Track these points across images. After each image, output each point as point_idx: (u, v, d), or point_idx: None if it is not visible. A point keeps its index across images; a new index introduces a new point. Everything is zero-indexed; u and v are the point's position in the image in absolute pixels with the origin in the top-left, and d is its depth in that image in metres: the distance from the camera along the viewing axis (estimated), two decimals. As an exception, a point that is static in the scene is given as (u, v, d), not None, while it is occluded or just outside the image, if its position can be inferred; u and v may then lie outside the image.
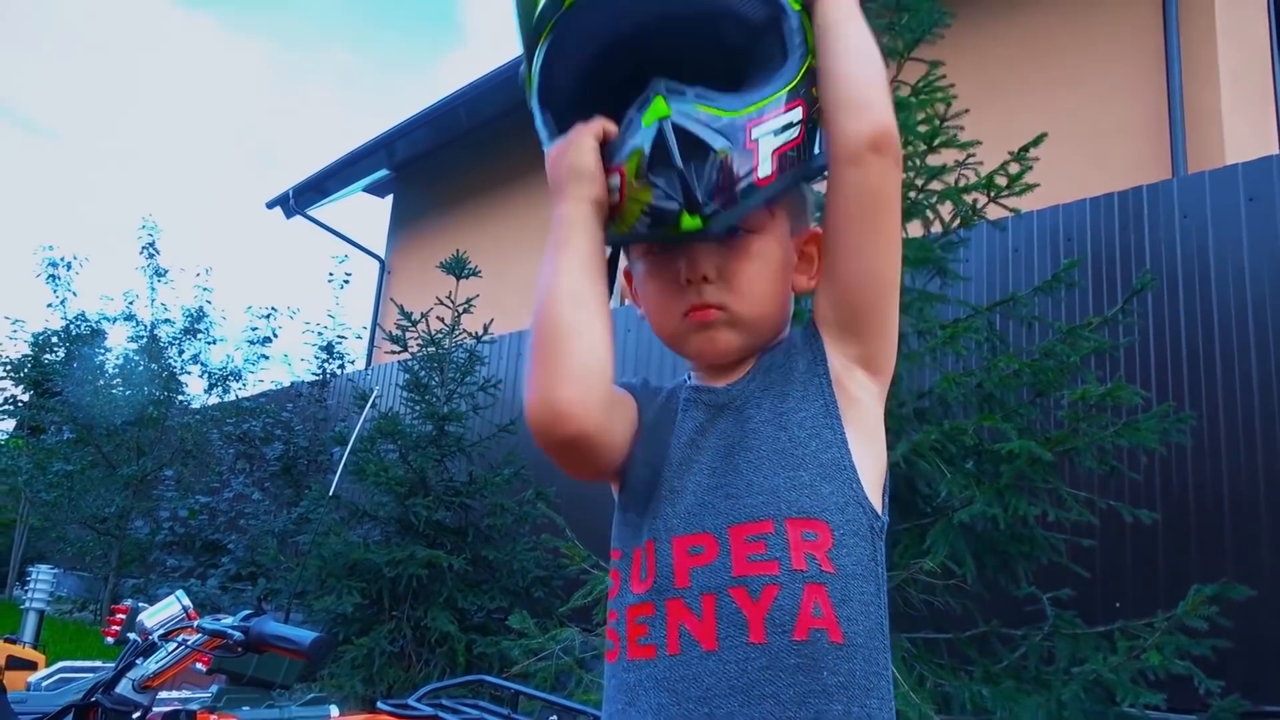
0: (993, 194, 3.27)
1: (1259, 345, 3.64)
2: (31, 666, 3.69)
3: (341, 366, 8.96)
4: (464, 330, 6.19)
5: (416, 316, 6.14)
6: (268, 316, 9.75)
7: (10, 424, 13.08)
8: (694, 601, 0.87)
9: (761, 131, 0.88)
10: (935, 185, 3.31)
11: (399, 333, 6.12)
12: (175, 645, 1.73)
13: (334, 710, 2.40)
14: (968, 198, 3.28)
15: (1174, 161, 5.16)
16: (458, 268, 6.09)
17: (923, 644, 3.00)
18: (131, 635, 1.82)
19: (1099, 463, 2.98)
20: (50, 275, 9.75)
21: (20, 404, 11.41)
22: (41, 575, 5.44)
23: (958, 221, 3.36)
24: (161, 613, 1.78)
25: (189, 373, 9.82)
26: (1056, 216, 4.33)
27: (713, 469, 0.93)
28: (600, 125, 0.92)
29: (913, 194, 3.29)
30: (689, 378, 1.04)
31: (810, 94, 0.92)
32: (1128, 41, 5.67)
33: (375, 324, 11.31)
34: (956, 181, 3.30)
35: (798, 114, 0.91)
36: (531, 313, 0.90)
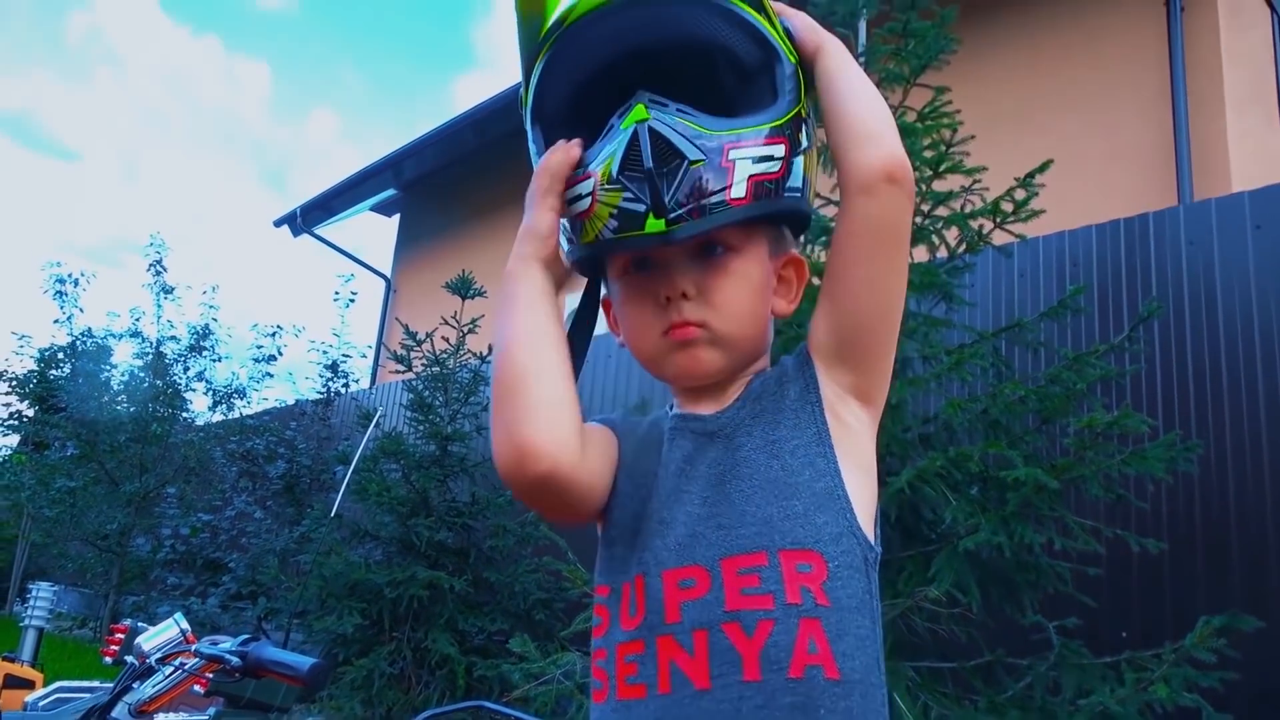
0: (999, 220, 3.26)
1: (1266, 374, 3.62)
2: (29, 685, 3.67)
3: (346, 385, 8.96)
4: (468, 350, 6.19)
5: (421, 336, 6.15)
6: (273, 335, 9.78)
7: (15, 439, 13.08)
8: (685, 638, 0.84)
9: (739, 155, 0.88)
10: (941, 210, 3.31)
11: (403, 352, 6.13)
12: (172, 669, 1.71)
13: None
14: (974, 223, 3.28)
15: (1180, 188, 5.17)
16: (463, 288, 6.10)
17: (927, 673, 2.96)
18: (129, 658, 1.80)
19: (1105, 491, 2.96)
20: (58, 291, 9.79)
21: (25, 419, 11.42)
22: (41, 593, 5.42)
23: (964, 247, 3.35)
24: (159, 636, 1.76)
25: (194, 390, 9.84)
26: (1063, 242, 4.32)
27: (704, 498, 0.91)
28: (564, 167, 0.92)
29: (919, 219, 3.28)
30: (672, 406, 1.03)
31: (795, 138, 0.92)
32: (1134, 69, 5.69)
33: (380, 343, 11.33)
34: (962, 207, 3.30)
35: (779, 150, 0.91)
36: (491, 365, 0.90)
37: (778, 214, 0.95)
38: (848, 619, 0.85)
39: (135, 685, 1.71)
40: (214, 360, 9.90)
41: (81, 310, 9.99)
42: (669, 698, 0.84)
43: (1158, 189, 5.29)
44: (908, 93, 3.34)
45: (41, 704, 3.08)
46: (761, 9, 0.93)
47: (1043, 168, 3.25)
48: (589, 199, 0.90)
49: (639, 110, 0.87)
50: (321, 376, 8.88)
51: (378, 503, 5.60)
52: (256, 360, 9.84)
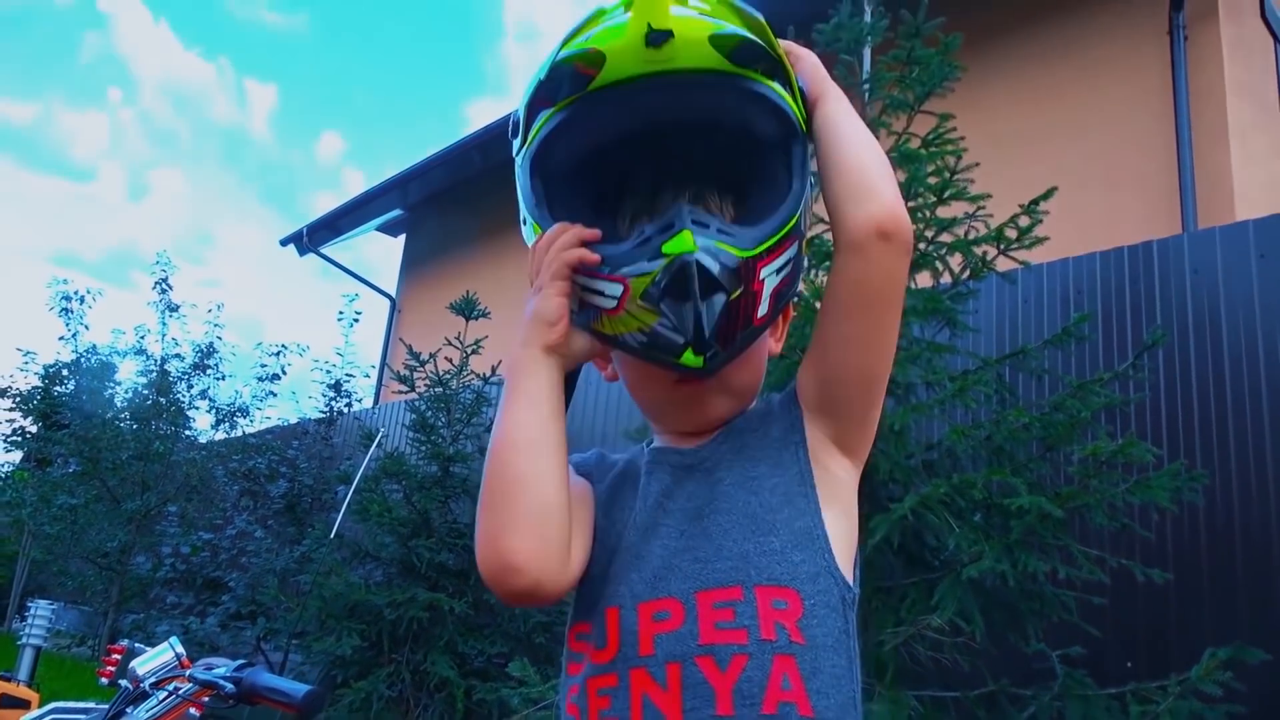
0: (1003, 246, 3.27)
1: (1271, 403, 3.60)
2: (25, 705, 3.65)
3: (349, 405, 8.96)
4: (472, 371, 6.19)
5: (425, 356, 6.15)
6: (277, 354, 9.80)
7: (17, 456, 13.09)
8: (658, 671, 0.84)
9: (768, 271, 0.88)
10: (945, 237, 3.31)
11: (407, 372, 6.13)
12: (166, 694, 1.70)
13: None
14: (978, 249, 3.28)
15: (1184, 217, 5.17)
16: (467, 309, 6.11)
17: (930, 702, 2.94)
18: (123, 681, 1.79)
19: (1110, 520, 2.94)
20: (63, 309, 9.83)
21: (28, 435, 11.43)
22: (40, 611, 5.38)
23: (968, 273, 3.35)
24: (154, 660, 1.75)
25: (197, 408, 9.84)
26: (1067, 269, 4.32)
27: (681, 531, 0.91)
28: (577, 255, 0.89)
29: (922, 245, 3.29)
30: (650, 442, 1.02)
31: (802, 221, 0.92)
32: (1137, 96, 5.72)
33: (384, 363, 11.35)
34: (966, 233, 3.31)
35: (794, 250, 0.91)
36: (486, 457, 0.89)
37: None
38: (823, 657, 0.85)
39: (129, 710, 1.70)
40: (218, 378, 9.93)
41: (87, 327, 10.04)
42: None
43: (1162, 217, 5.29)
44: (912, 119, 3.36)
45: (36, 725, 3.06)
46: (786, 81, 0.92)
47: (1047, 195, 3.26)
48: (615, 302, 0.88)
49: (685, 239, 0.84)
50: (325, 396, 8.89)
51: (379, 523, 5.58)
52: (260, 379, 9.87)
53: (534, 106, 0.92)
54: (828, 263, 2.93)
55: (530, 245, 0.95)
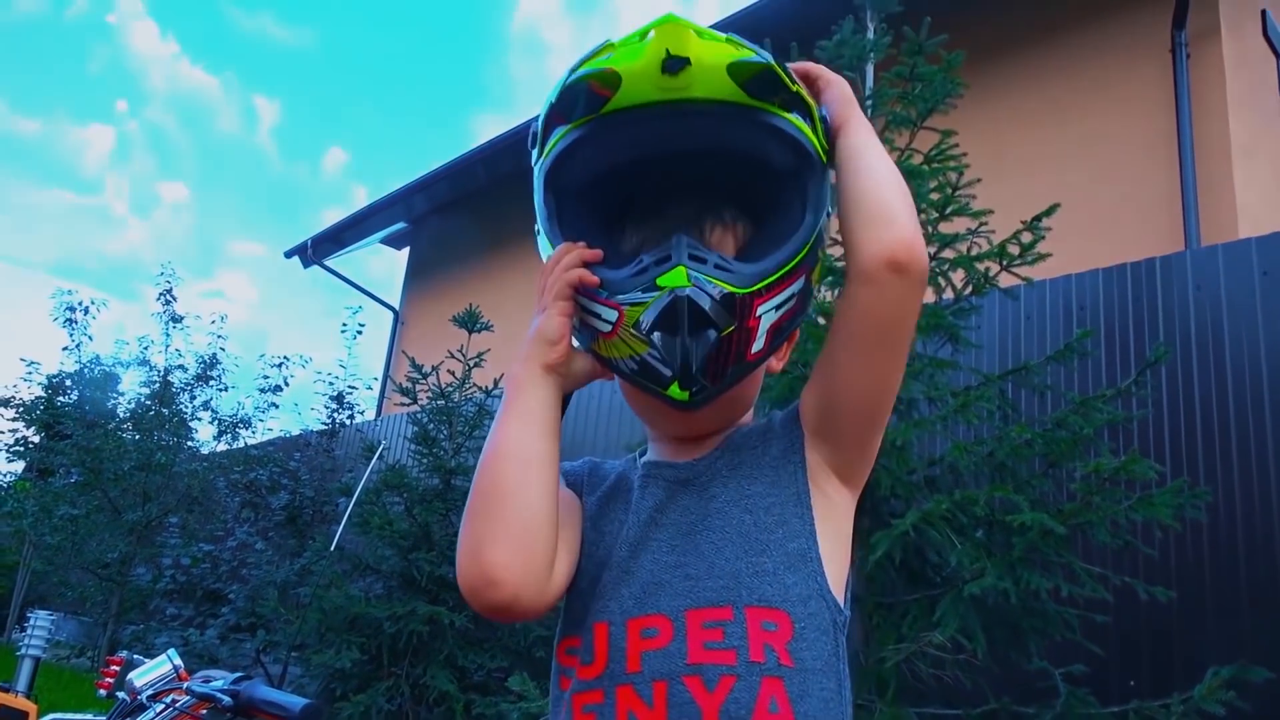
0: (1005, 263, 3.27)
1: (1275, 420, 3.59)
2: (23, 716, 3.63)
3: (351, 417, 8.96)
4: (474, 384, 6.19)
5: (427, 369, 6.15)
6: (280, 365, 9.81)
7: (20, 465, 13.10)
8: (645, 689, 0.83)
9: (765, 308, 0.87)
10: (948, 253, 3.32)
11: (409, 385, 6.13)
12: (163, 706, 1.69)
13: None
14: (980, 266, 3.28)
15: (1187, 234, 5.17)
16: (470, 322, 6.11)
17: (931, 720, 2.92)
18: (120, 694, 1.78)
19: (1113, 537, 2.93)
20: (67, 319, 9.85)
21: (30, 445, 11.44)
22: (39, 621, 5.37)
23: (970, 289, 3.36)
24: (151, 673, 1.75)
25: (199, 419, 9.85)
26: (1069, 286, 4.32)
27: (672, 546, 0.90)
28: (578, 275, 0.90)
29: (925, 261, 3.29)
30: (643, 454, 1.02)
31: (813, 254, 0.91)
32: (1140, 114, 5.73)
33: (386, 375, 11.35)
34: (969, 250, 3.31)
35: (799, 285, 0.90)
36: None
37: None
38: (811, 680, 0.84)
39: (126, 722, 1.70)
40: (220, 390, 9.93)
41: (91, 338, 10.06)
42: None
43: (1164, 234, 5.30)
44: (914, 136, 3.37)
45: (34, 737, 3.05)
46: (806, 112, 0.91)
47: (1049, 211, 3.27)
48: (611, 327, 0.88)
49: (679, 274, 0.84)
50: (327, 408, 8.90)
51: (379, 536, 5.57)
52: (262, 390, 9.87)
53: (551, 121, 0.92)
54: (829, 277, 2.94)
55: (542, 257, 0.96)
